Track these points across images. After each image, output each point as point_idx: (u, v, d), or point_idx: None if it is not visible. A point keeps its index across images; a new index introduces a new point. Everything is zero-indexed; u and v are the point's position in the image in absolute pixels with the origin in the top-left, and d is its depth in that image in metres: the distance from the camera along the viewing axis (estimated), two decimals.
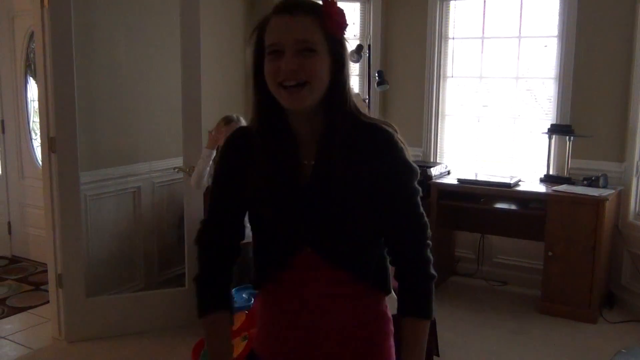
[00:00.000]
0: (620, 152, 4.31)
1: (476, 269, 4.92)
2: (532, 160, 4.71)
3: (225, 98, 4.90)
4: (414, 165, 1.42)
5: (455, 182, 4.54)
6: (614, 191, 4.13)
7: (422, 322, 1.43)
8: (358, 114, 1.41)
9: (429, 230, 1.46)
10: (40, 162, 5.05)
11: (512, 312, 4.25)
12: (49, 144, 3.63)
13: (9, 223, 5.46)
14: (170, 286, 4.17)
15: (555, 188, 4.20)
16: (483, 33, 4.81)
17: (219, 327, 1.48)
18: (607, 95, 4.33)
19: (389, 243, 1.44)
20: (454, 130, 5.06)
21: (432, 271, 1.44)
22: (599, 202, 3.96)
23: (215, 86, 4.68)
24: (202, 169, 3.59)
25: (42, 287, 4.64)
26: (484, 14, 4.77)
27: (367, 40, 4.91)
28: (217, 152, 3.49)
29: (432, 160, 5.01)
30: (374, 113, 5.01)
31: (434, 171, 4.64)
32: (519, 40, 4.67)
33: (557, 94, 4.51)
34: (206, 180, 3.61)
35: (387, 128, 1.40)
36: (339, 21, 1.33)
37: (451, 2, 4.89)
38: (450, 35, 4.94)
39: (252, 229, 1.45)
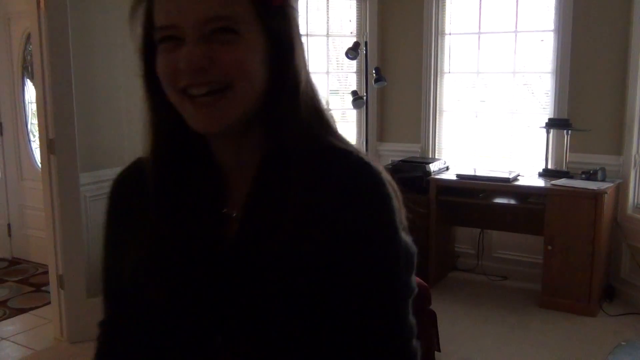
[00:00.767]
0: (618, 145, 4.33)
1: (476, 264, 4.94)
2: (531, 154, 4.72)
3: None
4: (406, 238, 0.90)
5: (454, 177, 4.55)
6: (612, 184, 4.15)
7: None
8: (324, 133, 0.89)
9: None
10: (39, 164, 5.09)
11: (512, 306, 4.27)
12: (48, 145, 3.64)
13: (8, 225, 5.47)
14: None
15: (553, 182, 4.22)
16: (479, 28, 4.82)
17: None
18: (604, 88, 4.34)
19: None
20: (452, 126, 5.07)
21: None
22: (598, 195, 3.97)
23: None
24: None
25: (43, 288, 4.66)
26: (480, 9, 4.78)
27: (363, 37, 4.92)
28: None
29: (430, 156, 5.03)
30: (372, 111, 5.02)
31: (433, 167, 4.65)
32: (516, 35, 4.68)
33: (554, 88, 4.52)
34: None
35: (368, 162, 0.87)
36: None
37: None
38: (447, 31, 4.95)
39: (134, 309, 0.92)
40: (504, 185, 4.36)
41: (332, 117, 0.93)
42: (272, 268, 0.80)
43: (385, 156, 5.18)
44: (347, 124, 5.45)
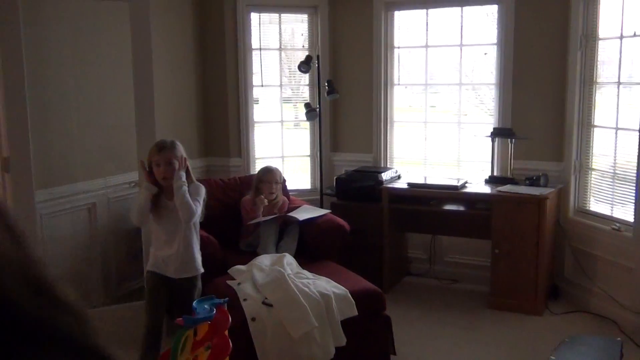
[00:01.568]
0: (559, 152, 4.56)
1: (428, 268, 5.10)
2: (478, 162, 4.92)
3: (178, 109, 4.96)
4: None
5: (405, 186, 4.70)
6: (554, 189, 4.37)
7: None
8: None
9: None
10: None
11: (463, 308, 4.44)
12: (2, 164, 3.62)
13: None
14: (129, 300, 4.20)
15: (499, 188, 4.41)
16: (427, 42, 5.00)
17: None
18: (545, 98, 4.57)
19: None
20: (403, 136, 5.23)
21: None
22: (541, 200, 4.18)
23: (168, 98, 4.74)
24: (142, 204, 3.20)
25: None
26: (427, 23, 4.97)
27: (315, 51, 5.05)
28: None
29: (382, 165, 5.17)
30: (325, 122, 5.15)
31: (385, 176, 4.80)
32: (461, 49, 4.88)
33: (498, 99, 4.73)
34: (200, 217, 3.32)
35: None
36: None
37: (395, 12, 5.07)
38: (396, 44, 5.12)
39: None
40: (453, 193, 4.53)
41: None
42: None
43: (339, 166, 5.30)
44: (300, 134, 5.56)
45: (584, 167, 4.47)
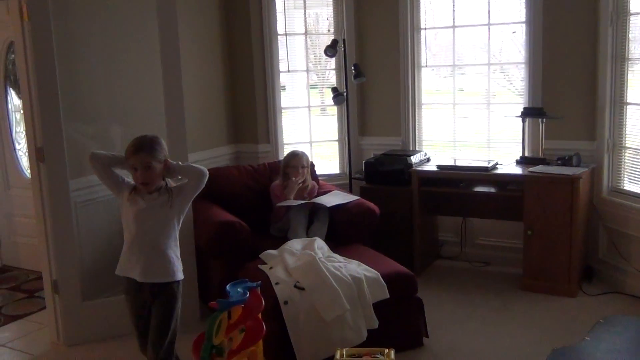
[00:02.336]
0: (591, 131, 4.49)
1: (459, 251, 5.09)
2: (508, 143, 4.88)
3: (206, 97, 5.01)
4: None
5: (435, 168, 4.69)
6: (587, 169, 4.31)
7: None
8: None
9: None
10: (26, 172, 5.15)
11: (495, 291, 4.42)
12: (37, 154, 3.71)
13: None
14: None
15: (531, 169, 4.37)
16: (454, 22, 4.95)
17: None
18: (576, 76, 4.50)
19: None
20: (431, 118, 5.21)
21: None
22: (573, 180, 4.13)
23: (196, 86, 4.78)
24: (106, 156, 3.00)
25: (36, 294, 4.73)
26: (453, 3, 4.91)
27: (341, 35, 5.04)
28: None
29: (411, 148, 5.16)
30: (353, 106, 5.14)
31: (414, 159, 4.79)
32: (489, 28, 4.82)
33: (527, 78, 4.67)
34: (183, 214, 2.99)
35: None
36: None
37: None
38: (422, 25, 5.08)
39: None
40: (484, 174, 4.50)
41: None
42: None
43: (367, 150, 5.30)
44: (328, 119, 5.57)
45: (617, 146, 4.40)
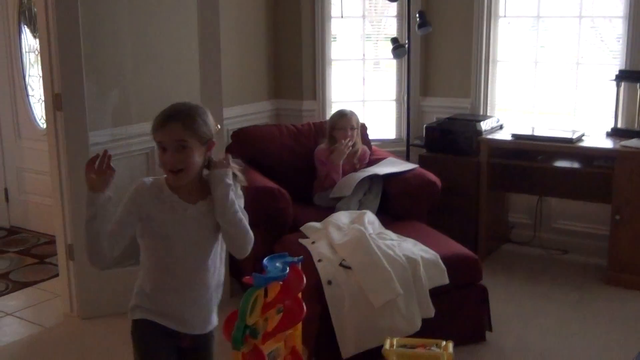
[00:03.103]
0: None
1: (533, 235, 5.05)
2: (598, 111, 4.78)
3: (246, 46, 5.03)
4: None
5: (508, 137, 4.64)
6: None
7: None
8: None
9: None
10: (39, 122, 5.28)
11: (573, 283, 4.39)
12: (54, 101, 3.80)
13: (5, 190, 5.69)
14: None
15: (623, 143, 4.29)
16: None
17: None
18: None
19: None
20: (507, 78, 5.13)
21: None
22: None
23: (234, 33, 4.80)
24: (92, 232, 2.22)
25: (47, 260, 4.89)
26: None
27: None
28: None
29: (481, 113, 5.11)
30: (415, 61, 5.10)
31: (484, 125, 4.74)
32: None
33: (626, 35, 4.56)
34: None
35: None
36: None
37: None
38: None
39: None
40: (566, 147, 4.44)
41: None
42: None
43: (430, 113, 5.27)
44: (384, 76, 5.53)
45: None
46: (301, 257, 2.98)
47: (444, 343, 2.98)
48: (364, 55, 5.37)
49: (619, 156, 4.23)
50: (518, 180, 4.90)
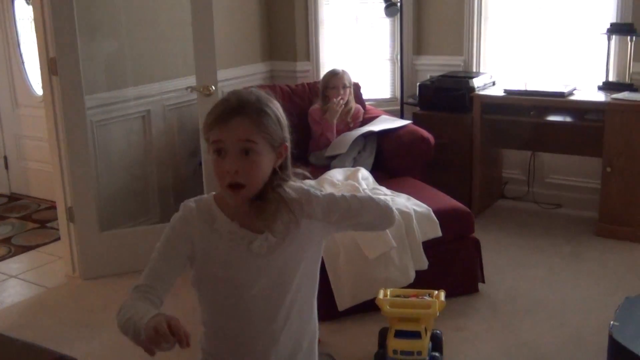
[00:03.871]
0: None
1: (526, 190, 5.11)
2: (589, 65, 4.80)
3: (238, 6, 5.04)
4: None
5: (501, 93, 4.68)
6: None
7: None
8: None
9: None
10: (36, 89, 5.31)
11: (565, 236, 4.46)
12: (49, 65, 3.84)
13: (5, 157, 5.75)
14: None
15: (614, 96, 4.32)
16: None
17: None
18: None
19: None
20: (499, 35, 5.14)
21: None
22: None
23: (226, 1, 4.82)
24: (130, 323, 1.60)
25: (48, 224, 4.97)
26: None
27: None
28: None
29: (474, 70, 5.13)
30: (407, 19, 5.11)
31: (477, 82, 4.77)
32: None
33: None
34: None
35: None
36: None
37: None
38: None
39: None
40: (558, 101, 4.48)
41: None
42: None
43: (423, 71, 5.29)
44: (377, 34, 5.54)
45: None
46: None
47: (436, 292, 3.07)
48: (356, 14, 5.37)
49: (610, 109, 4.27)
50: (511, 136, 4.94)
